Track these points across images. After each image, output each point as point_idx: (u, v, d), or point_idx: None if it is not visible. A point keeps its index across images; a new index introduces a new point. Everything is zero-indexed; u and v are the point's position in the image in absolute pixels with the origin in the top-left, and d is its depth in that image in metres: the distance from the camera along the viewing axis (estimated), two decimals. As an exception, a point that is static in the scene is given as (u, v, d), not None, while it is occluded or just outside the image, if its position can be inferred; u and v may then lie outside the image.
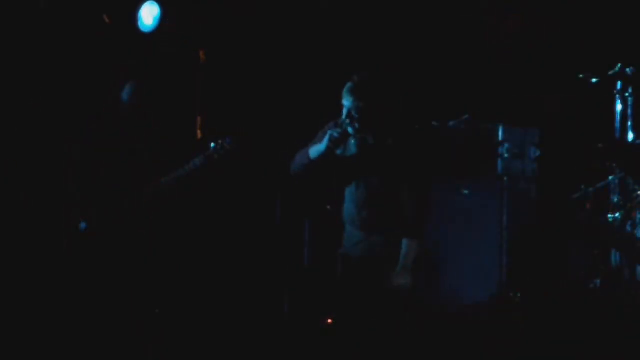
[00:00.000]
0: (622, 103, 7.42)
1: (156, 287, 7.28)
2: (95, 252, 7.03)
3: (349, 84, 6.06)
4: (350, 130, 6.07)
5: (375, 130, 6.08)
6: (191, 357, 7.42)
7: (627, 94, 7.39)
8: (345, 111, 6.06)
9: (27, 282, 7.57)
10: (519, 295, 6.75)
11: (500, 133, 7.60)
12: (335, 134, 6.04)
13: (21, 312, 7.39)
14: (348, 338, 6.20)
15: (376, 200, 6.12)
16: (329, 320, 7.37)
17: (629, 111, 7.36)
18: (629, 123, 7.39)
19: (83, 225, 7.03)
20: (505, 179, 7.55)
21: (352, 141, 6.16)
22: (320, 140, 6.13)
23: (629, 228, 7.04)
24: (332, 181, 6.26)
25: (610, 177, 7.39)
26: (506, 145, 7.58)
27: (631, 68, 7.32)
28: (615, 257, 7.06)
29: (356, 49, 8.17)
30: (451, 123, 7.63)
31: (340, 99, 6.07)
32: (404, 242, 5.98)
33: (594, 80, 7.37)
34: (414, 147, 6.11)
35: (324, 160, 6.11)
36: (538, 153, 7.58)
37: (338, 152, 6.13)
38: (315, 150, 6.17)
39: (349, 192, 6.22)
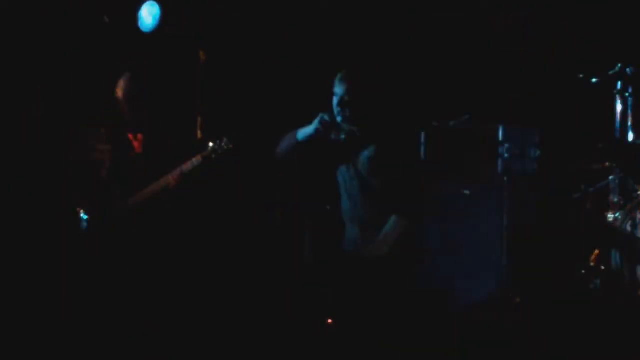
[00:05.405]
0: (622, 103, 7.42)
1: (155, 287, 7.28)
2: (94, 252, 7.04)
3: (341, 72, 6.11)
4: (339, 118, 6.10)
5: (363, 121, 6.12)
6: (191, 357, 7.43)
7: (627, 94, 7.39)
8: (336, 99, 6.10)
9: (27, 281, 7.58)
10: (518, 295, 6.75)
11: (500, 133, 7.59)
12: (326, 117, 6.09)
13: (21, 312, 7.40)
14: (347, 337, 6.21)
15: (370, 196, 6.13)
16: (329, 320, 7.37)
17: (629, 111, 7.36)
18: (629, 123, 7.39)
19: (84, 222, 7.04)
20: (505, 179, 7.54)
21: (342, 134, 6.20)
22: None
23: (628, 228, 7.04)
24: (317, 165, 6.29)
25: (610, 177, 7.39)
26: (506, 145, 7.57)
27: (631, 68, 7.32)
28: (615, 257, 7.06)
29: (356, 49, 8.18)
30: (451, 123, 7.63)
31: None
32: (392, 218, 5.99)
33: (594, 80, 7.37)
34: (402, 141, 6.14)
35: (310, 143, 6.15)
36: (538, 153, 7.57)
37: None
38: (303, 132, 6.20)
39: (344, 189, 6.24)
